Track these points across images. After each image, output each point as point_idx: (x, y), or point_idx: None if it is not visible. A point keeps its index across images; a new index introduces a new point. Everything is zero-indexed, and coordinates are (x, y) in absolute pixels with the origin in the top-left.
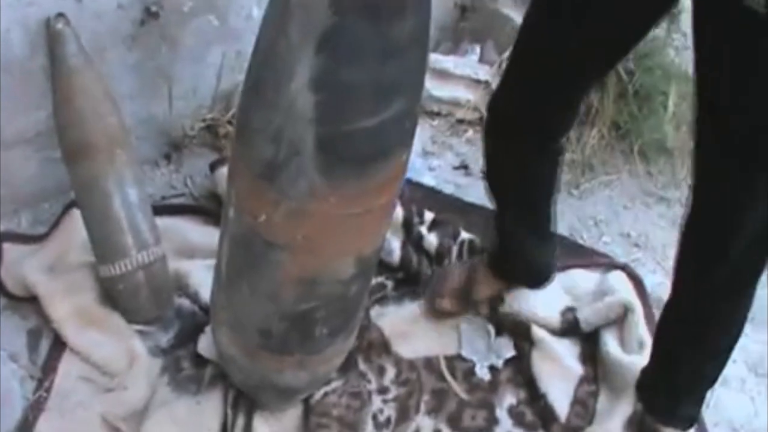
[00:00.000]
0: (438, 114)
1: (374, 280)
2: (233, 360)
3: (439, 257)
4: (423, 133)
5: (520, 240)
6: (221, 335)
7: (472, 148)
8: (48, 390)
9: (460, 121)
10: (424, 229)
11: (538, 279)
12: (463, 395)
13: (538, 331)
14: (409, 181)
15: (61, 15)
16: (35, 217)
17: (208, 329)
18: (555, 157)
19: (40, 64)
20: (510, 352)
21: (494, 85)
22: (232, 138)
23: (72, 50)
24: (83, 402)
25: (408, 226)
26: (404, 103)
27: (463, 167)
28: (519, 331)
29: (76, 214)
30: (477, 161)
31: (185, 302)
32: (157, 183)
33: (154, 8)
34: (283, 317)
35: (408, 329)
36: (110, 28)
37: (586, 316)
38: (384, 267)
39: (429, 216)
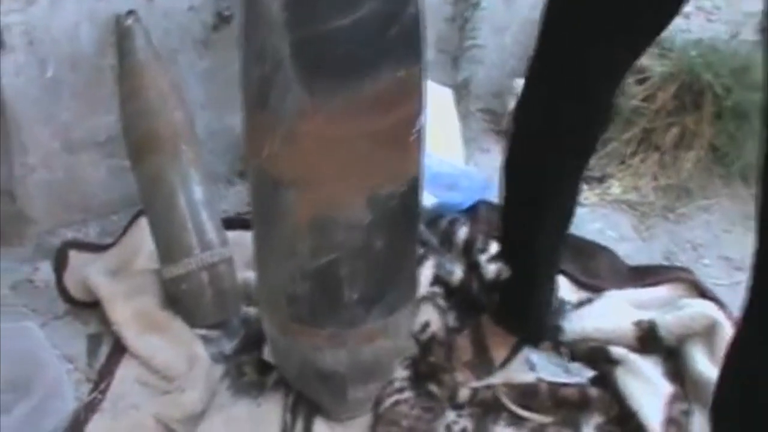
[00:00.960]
0: None
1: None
2: (276, 345)
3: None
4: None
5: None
6: (264, 317)
7: None
8: (103, 392)
9: None
10: (483, 259)
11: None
12: (546, 419)
13: (616, 350)
14: (487, 202)
15: (131, 12)
16: (103, 229)
17: None
18: (578, 167)
19: (110, 64)
20: (591, 372)
21: None
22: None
23: (140, 44)
24: (137, 404)
25: (468, 252)
26: (380, 4)
27: None
28: (596, 356)
29: (143, 222)
30: None
31: (252, 311)
32: (230, 201)
33: (227, 12)
34: (305, 276)
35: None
36: (181, 30)
37: (666, 323)
38: (445, 287)
39: (494, 248)
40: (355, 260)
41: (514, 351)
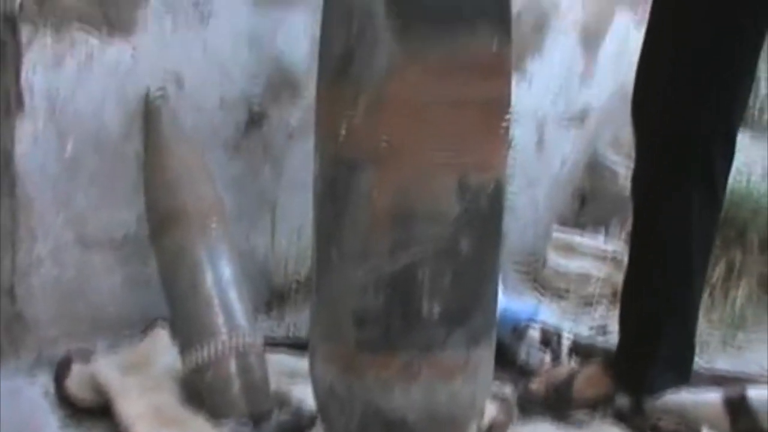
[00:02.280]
0: (567, 291)
1: None
2: (332, 393)
3: None
4: (551, 313)
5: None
6: (317, 360)
7: (608, 317)
8: None
9: (590, 299)
10: (563, 353)
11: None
12: None
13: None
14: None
15: (161, 89)
16: (112, 344)
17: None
18: (715, 204)
19: (135, 150)
20: None
21: (624, 257)
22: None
23: (168, 120)
24: None
25: (547, 344)
26: None
27: (601, 328)
28: None
29: (161, 330)
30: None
31: (285, 417)
32: None
33: (257, 108)
34: (379, 283)
35: None
36: (211, 126)
37: (760, 397)
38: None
39: (566, 341)
40: (438, 263)
41: None
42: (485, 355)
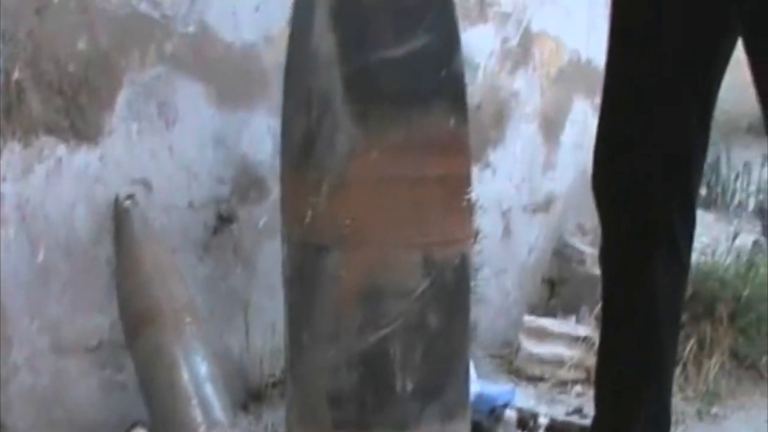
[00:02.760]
0: (540, 378)
1: None
2: None
3: None
4: (526, 397)
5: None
6: None
7: (583, 399)
8: None
9: (565, 383)
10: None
11: None
12: None
13: None
14: None
15: (130, 195)
16: None
17: None
18: (680, 270)
19: (106, 256)
20: None
21: (596, 339)
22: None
23: (138, 223)
24: None
25: (524, 426)
26: (432, 38)
27: (577, 412)
28: None
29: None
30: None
31: None
32: None
33: (225, 213)
34: (351, 362)
35: None
36: (180, 228)
37: None
38: None
39: (543, 421)
40: (408, 338)
41: None
42: (460, 430)
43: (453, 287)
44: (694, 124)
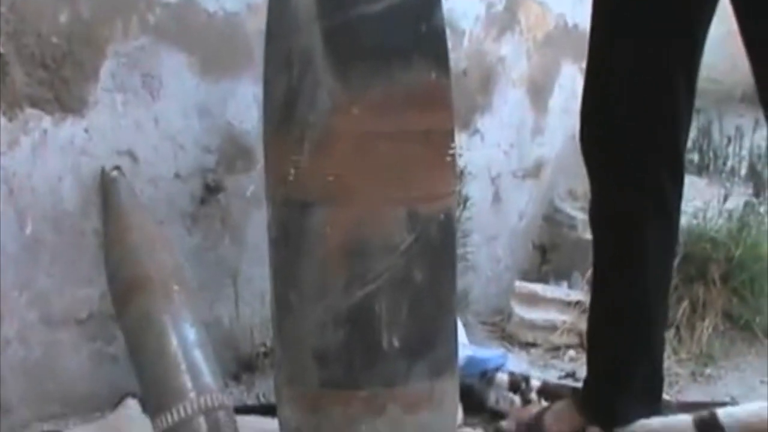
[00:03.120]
0: (533, 344)
1: None
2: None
3: None
4: (519, 363)
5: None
6: (283, 403)
7: (576, 364)
8: None
9: (557, 348)
10: (533, 396)
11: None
12: None
13: None
14: None
15: (117, 167)
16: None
17: None
18: (669, 230)
19: (93, 228)
20: None
21: (588, 303)
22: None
23: (125, 192)
24: None
25: (516, 389)
26: None
27: (569, 376)
28: None
29: (131, 403)
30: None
31: None
32: None
33: (212, 183)
34: (338, 319)
35: None
36: (167, 199)
37: (730, 412)
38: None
39: (536, 383)
40: (395, 294)
41: None
42: (449, 386)
43: (438, 242)
44: (680, 79)
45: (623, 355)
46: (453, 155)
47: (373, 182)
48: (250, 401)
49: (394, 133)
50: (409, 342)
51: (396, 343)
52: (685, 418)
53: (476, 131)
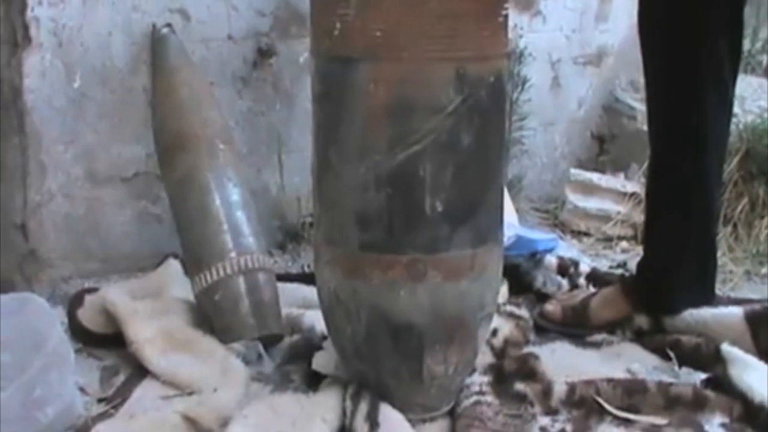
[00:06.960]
0: (586, 234)
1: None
2: (337, 299)
3: None
4: (570, 251)
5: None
6: (321, 265)
7: (629, 255)
8: (116, 407)
9: (610, 239)
10: (581, 281)
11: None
12: (660, 420)
13: (727, 349)
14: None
15: (168, 25)
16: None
17: (326, 343)
18: (725, 104)
19: (142, 85)
20: (702, 375)
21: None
22: None
23: (175, 49)
24: (159, 407)
25: (564, 273)
26: None
27: (621, 266)
28: (705, 359)
29: (173, 263)
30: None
31: (296, 340)
32: None
33: (265, 47)
34: (380, 180)
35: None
36: (219, 60)
37: None
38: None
39: (585, 269)
40: (439, 156)
41: None
42: (492, 257)
43: (487, 106)
44: None
45: (679, 236)
46: (506, 15)
47: (421, 39)
48: (295, 271)
49: None
50: (453, 207)
51: (439, 208)
52: (736, 311)
53: (538, 12)
